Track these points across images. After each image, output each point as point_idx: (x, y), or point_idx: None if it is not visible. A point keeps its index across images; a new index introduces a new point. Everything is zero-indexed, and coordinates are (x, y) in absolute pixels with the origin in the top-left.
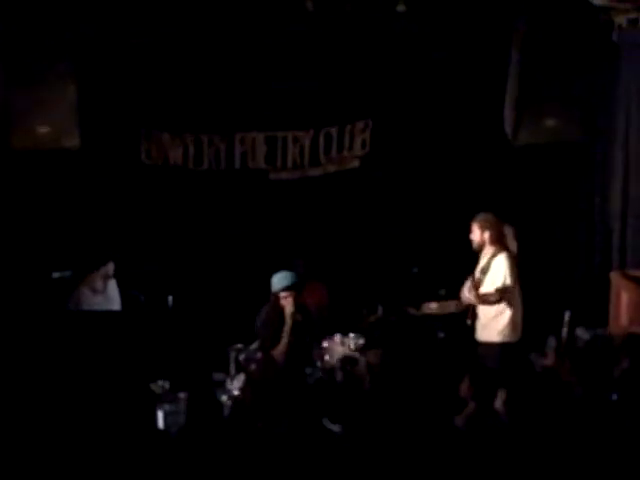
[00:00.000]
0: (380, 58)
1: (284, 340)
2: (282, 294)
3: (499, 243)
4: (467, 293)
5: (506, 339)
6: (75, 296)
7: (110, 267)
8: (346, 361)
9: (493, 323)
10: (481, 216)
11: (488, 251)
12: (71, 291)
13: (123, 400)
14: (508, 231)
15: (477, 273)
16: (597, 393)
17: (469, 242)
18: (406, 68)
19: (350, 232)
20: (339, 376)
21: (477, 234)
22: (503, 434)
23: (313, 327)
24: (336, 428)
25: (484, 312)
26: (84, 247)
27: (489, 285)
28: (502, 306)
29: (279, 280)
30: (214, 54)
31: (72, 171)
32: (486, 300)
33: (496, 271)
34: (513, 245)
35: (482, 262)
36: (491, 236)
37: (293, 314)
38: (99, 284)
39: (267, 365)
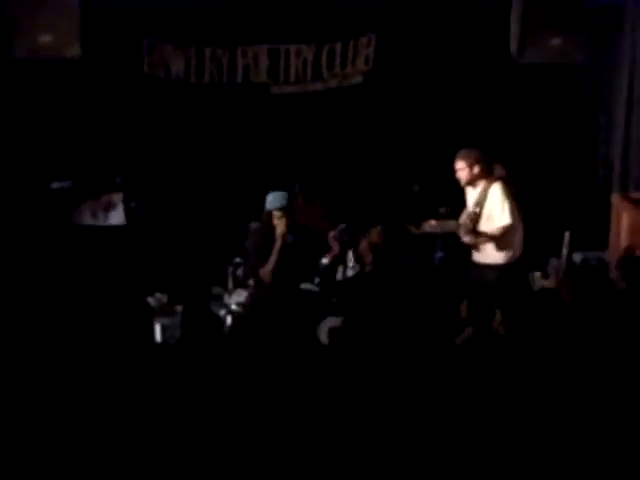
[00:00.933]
0: None
1: (272, 259)
2: (275, 213)
3: (488, 175)
4: (465, 236)
5: (507, 260)
6: (80, 209)
7: (116, 197)
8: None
9: (494, 246)
10: (465, 152)
11: (479, 184)
12: (73, 202)
13: (121, 313)
14: (496, 166)
15: (471, 207)
16: (594, 314)
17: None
18: None
19: (351, 148)
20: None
21: (466, 171)
22: (500, 353)
23: (308, 247)
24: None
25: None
26: (84, 158)
27: (487, 217)
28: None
29: (273, 200)
30: None
31: (73, 81)
32: (486, 238)
33: (493, 202)
34: (502, 173)
35: (474, 196)
36: (481, 170)
37: (284, 234)
38: (100, 213)
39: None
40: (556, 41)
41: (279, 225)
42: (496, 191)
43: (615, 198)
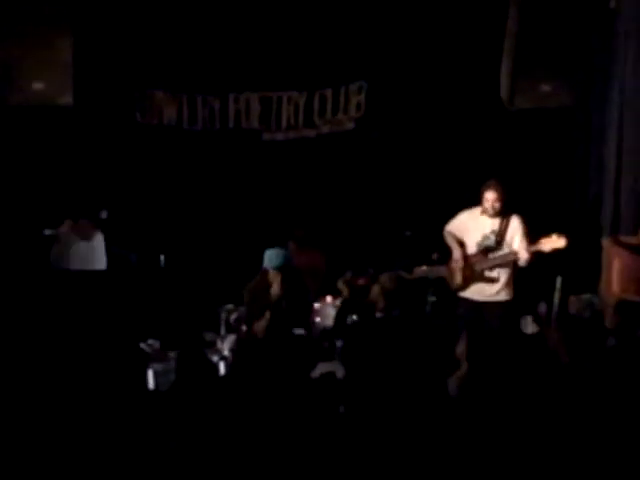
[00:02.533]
0: (376, 19)
1: (266, 317)
2: (271, 272)
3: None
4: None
5: (512, 297)
6: (61, 241)
7: (102, 215)
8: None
9: (506, 282)
10: (499, 185)
11: (497, 215)
12: (58, 244)
13: (113, 360)
14: None
15: (480, 237)
16: (585, 362)
17: (462, 206)
18: (402, 30)
19: (343, 194)
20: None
21: (500, 203)
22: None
23: (303, 302)
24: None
25: (503, 273)
26: (77, 205)
27: (507, 245)
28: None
29: (269, 258)
30: (210, 13)
31: (66, 128)
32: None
33: (516, 231)
34: None
35: (488, 226)
36: (505, 203)
37: (278, 296)
38: (87, 231)
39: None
40: (546, 87)
41: (274, 284)
42: (517, 221)
43: (606, 242)
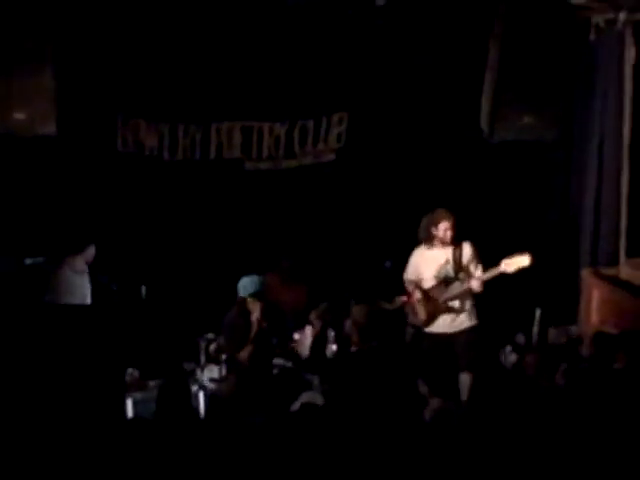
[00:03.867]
0: (357, 51)
1: (249, 344)
2: (248, 300)
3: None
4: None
5: (477, 321)
6: (55, 277)
7: (91, 250)
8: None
9: (471, 308)
10: (449, 213)
11: (448, 245)
12: (45, 276)
13: (92, 389)
14: None
15: (436, 269)
16: (564, 390)
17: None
18: (383, 62)
19: (324, 225)
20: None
21: (452, 231)
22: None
23: (282, 328)
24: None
25: (467, 300)
26: (58, 234)
27: (466, 272)
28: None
29: (244, 286)
30: (192, 44)
31: (48, 158)
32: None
33: (473, 257)
34: None
35: (441, 256)
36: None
37: (259, 321)
38: (80, 265)
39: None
40: (527, 119)
41: (254, 311)
42: (469, 248)
43: (585, 273)
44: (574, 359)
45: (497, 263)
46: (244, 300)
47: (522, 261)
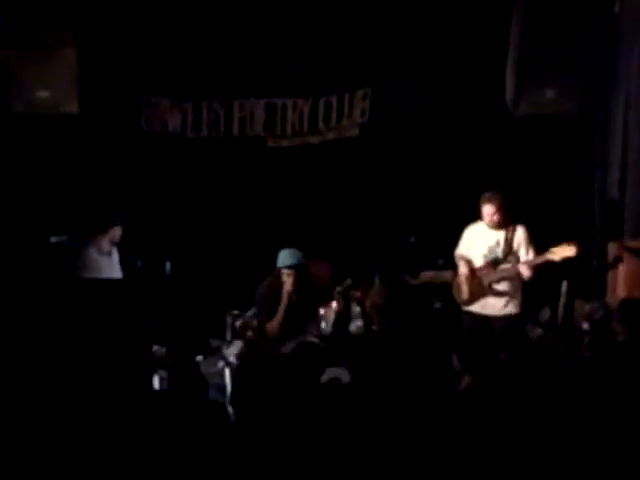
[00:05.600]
0: (380, 27)
1: (278, 316)
2: (284, 271)
3: (509, 217)
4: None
5: (520, 310)
6: (82, 258)
7: (117, 231)
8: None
9: (515, 294)
10: (493, 195)
11: (501, 226)
12: (72, 255)
13: (120, 366)
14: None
15: (486, 249)
16: (592, 364)
17: (466, 211)
18: (407, 37)
19: (348, 201)
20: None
21: (498, 215)
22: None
23: (312, 305)
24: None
25: (512, 285)
26: (82, 213)
27: (514, 256)
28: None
29: (284, 257)
30: (214, 20)
31: (70, 137)
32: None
33: (522, 241)
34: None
35: (493, 238)
36: (508, 212)
37: (290, 293)
38: (106, 246)
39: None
40: (551, 93)
41: (287, 283)
42: (523, 232)
43: (612, 247)
44: (605, 333)
45: (544, 249)
46: (279, 272)
47: (569, 250)
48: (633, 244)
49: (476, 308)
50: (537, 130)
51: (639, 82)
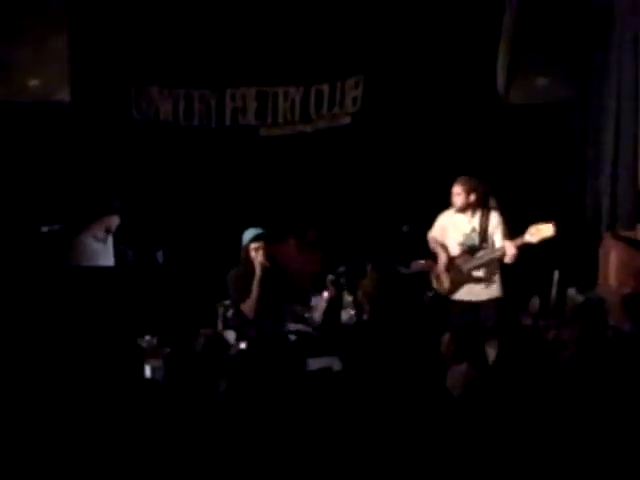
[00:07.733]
0: (372, 14)
1: (254, 292)
2: (252, 245)
3: (484, 205)
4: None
5: (502, 293)
6: (76, 244)
7: (114, 220)
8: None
9: (495, 278)
10: (463, 179)
11: (474, 212)
12: (65, 242)
13: (111, 355)
14: (490, 198)
15: (462, 236)
16: (585, 354)
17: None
18: (398, 24)
19: (341, 189)
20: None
21: (462, 196)
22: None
23: (285, 279)
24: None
25: (492, 270)
26: (73, 201)
27: (490, 242)
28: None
29: (247, 235)
30: (206, 8)
31: (62, 125)
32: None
33: (497, 227)
34: (494, 206)
35: (466, 224)
36: (477, 198)
37: (263, 264)
38: (100, 233)
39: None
40: (542, 81)
41: (258, 256)
42: (497, 218)
43: (604, 236)
44: (599, 325)
45: (519, 229)
46: (247, 249)
47: (546, 230)
48: (625, 234)
49: (461, 296)
50: (529, 118)
51: (631, 71)
